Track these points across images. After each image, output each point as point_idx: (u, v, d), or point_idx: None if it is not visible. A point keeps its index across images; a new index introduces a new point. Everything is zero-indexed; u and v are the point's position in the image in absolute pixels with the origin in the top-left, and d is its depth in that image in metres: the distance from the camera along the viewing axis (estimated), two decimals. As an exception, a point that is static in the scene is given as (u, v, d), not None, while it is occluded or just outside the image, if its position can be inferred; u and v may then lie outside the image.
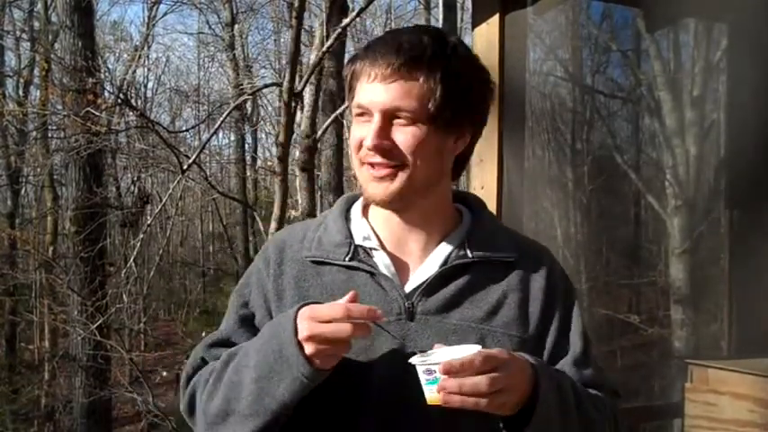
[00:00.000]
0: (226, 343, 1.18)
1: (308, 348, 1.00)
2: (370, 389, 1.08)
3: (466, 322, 1.12)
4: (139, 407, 8.65)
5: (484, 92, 1.17)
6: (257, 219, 9.26)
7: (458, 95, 1.10)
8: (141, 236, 8.05)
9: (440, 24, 9.51)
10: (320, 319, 0.99)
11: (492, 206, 2.39)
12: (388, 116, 1.09)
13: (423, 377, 0.97)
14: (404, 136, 1.09)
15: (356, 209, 1.22)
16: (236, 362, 1.10)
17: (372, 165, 1.10)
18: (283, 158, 5.98)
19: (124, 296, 8.78)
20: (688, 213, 6.27)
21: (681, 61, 6.58)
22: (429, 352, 1.01)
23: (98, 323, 7.51)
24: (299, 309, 1.03)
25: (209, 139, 9.98)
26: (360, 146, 1.11)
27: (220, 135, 17.83)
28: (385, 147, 1.08)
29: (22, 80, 13.61)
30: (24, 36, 13.77)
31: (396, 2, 17.07)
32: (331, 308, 1.00)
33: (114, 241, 12.66)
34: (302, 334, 1.00)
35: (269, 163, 15.56)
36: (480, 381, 0.94)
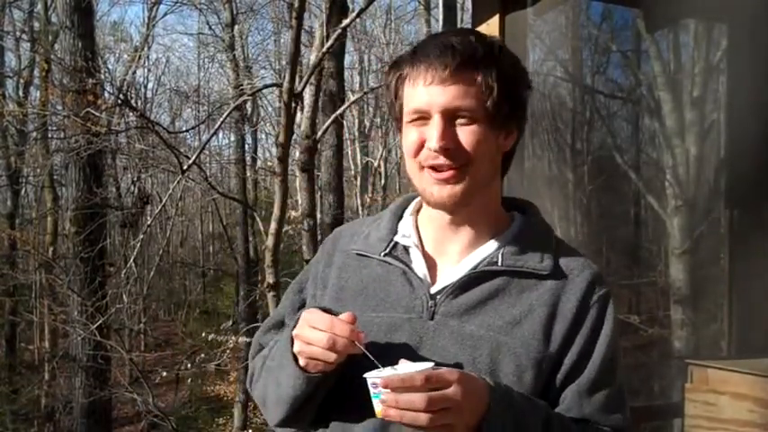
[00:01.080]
0: (280, 325, 1.27)
1: (295, 346, 1.07)
2: (358, 396, 1.09)
3: (484, 330, 1.10)
4: (139, 407, 8.66)
5: (527, 90, 1.19)
6: (257, 219, 9.27)
7: (510, 93, 1.12)
8: (141, 236, 8.05)
9: (440, 24, 9.51)
10: (309, 322, 1.04)
11: (492, 206, 2.39)
12: (449, 117, 1.09)
13: (371, 390, 0.99)
14: (466, 135, 1.10)
15: (409, 208, 1.25)
16: (274, 350, 1.19)
17: (435, 168, 1.10)
18: (283, 159, 5.98)
19: (124, 296, 8.79)
20: (688, 213, 6.27)
21: (681, 62, 6.58)
22: (390, 368, 1.02)
23: (98, 323, 7.51)
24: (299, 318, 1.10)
25: (209, 140, 9.99)
26: (418, 149, 1.11)
27: (220, 135, 17.87)
28: (450, 147, 1.09)
29: (22, 80, 13.62)
30: (24, 36, 13.79)
31: (396, 2, 17.07)
32: (322, 317, 1.04)
33: (114, 241, 12.68)
34: (296, 330, 1.07)
35: (269, 163, 15.57)
36: (416, 397, 0.94)
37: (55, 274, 9.88)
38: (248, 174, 16.12)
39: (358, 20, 9.43)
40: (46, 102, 9.62)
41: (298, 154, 7.09)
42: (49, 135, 11.24)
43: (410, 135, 1.12)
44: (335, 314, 1.06)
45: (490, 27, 2.44)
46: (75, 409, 8.60)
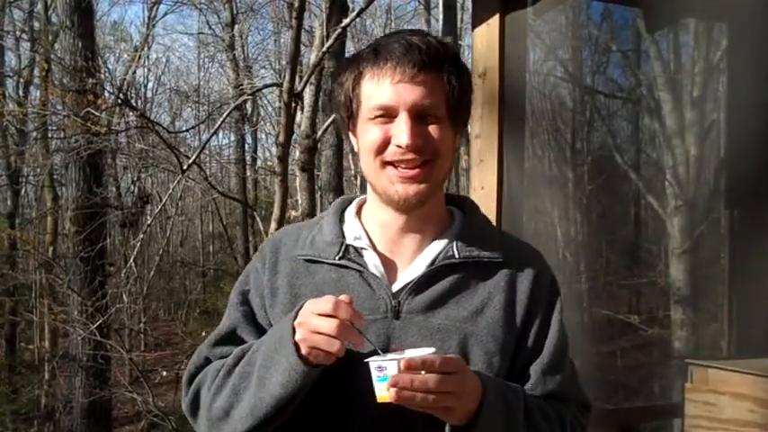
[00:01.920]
0: (231, 337, 1.21)
1: (297, 334, 1.04)
2: (356, 388, 1.09)
3: (450, 322, 1.14)
4: (139, 407, 8.65)
5: (472, 93, 1.22)
6: (257, 219, 9.26)
7: (465, 94, 1.16)
8: (141, 236, 8.05)
9: (440, 24, 9.50)
10: (313, 310, 1.03)
11: (492, 206, 2.39)
12: (416, 114, 1.10)
13: (374, 374, 0.99)
14: (433, 133, 1.12)
15: (350, 211, 1.25)
16: (250, 353, 1.13)
17: (398, 165, 1.12)
18: (283, 158, 5.98)
19: (124, 296, 8.78)
20: (688, 213, 6.27)
21: (681, 62, 6.58)
22: (394, 353, 1.04)
23: (98, 323, 7.50)
24: (301, 306, 1.07)
25: (209, 140, 9.98)
26: (382, 147, 1.12)
27: (220, 135, 17.87)
28: (419, 144, 1.10)
29: (22, 80, 13.60)
30: (24, 36, 13.77)
31: (396, 2, 17.07)
32: (326, 302, 1.02)
33: (114, 241, 12.67)
34: (298, 319, 1.05)
35: (269, 163, 15.59)
36: (430, 377, 0.97)
37: (55, 273, 9.88)
38: (248, 174, 16.13)
39: (358, 19, 9.43)
40: (46, 102, 9.61)
41: (298, 154, 7.08)
42: (49, 135, 11.23)
43: (372, 132, 1.12)
44: None
45: (490, 27, 2.45)
46: (75, 409, 8.59)
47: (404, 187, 1.12)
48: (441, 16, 9.15)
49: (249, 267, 1.26)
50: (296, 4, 5.60)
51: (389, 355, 1.02)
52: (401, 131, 1.10)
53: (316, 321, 1.02)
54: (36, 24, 13.28)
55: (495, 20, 2.42)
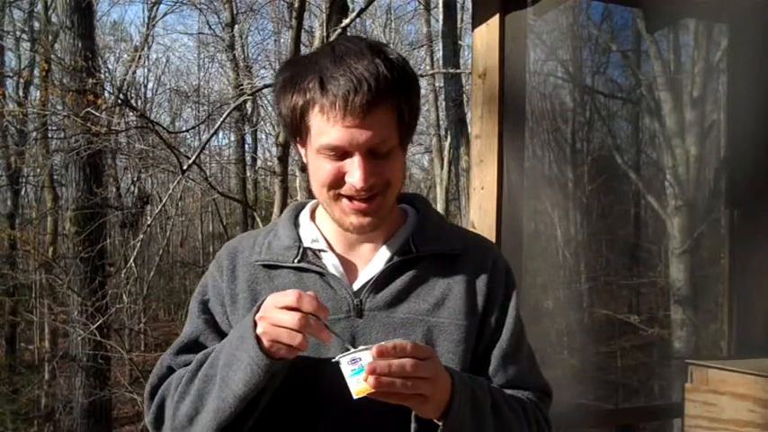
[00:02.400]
0: (194, 345, 1.20)
1: (259, 327, 1.03)
2: (322, 388, 1.10)
3: (413, 315, 1.15)
4: (139, 407, 8.66)
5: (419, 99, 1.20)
6: (257, 219, 9.26)
7: (416, 108, 1.15)
8: (141, 236, 8.05)
9: (440, 24, 9.51)
10: (275, 303, 1.02)
11: (492, 206, 2.39)
12: (369, 153, 1.09)
13: (347, 369, 0.98)
14: (387, 166, 1.11)
15: (304, 214, 1.25)
16: (213, 355, 1.12)
17: (351, 198, 1.11)
18: (283, 158, 5.98)
19: (124, 296, 8.79)
20: (688, 213, 6.28)
21: (681, 62, 6.58)
22: (363, 347, 1.02)
23: (98, 323, 7.51)
24: (263, 301, 1.06)
25: (209, 140, 9.98)
26: (335, 182, 1.10)
27: (220, 135, 17.88)
28: (373, 182, 1.09)
29: (22, 80, 13.59)
30: (24, 36, 13.77)
31: (396, 2, 17.07)
32: (287, 295, 1.01)
33: (114, 241, 12.65)
34: (259, 313, 1.04)
35: (269, 163, 15.57)
36: (406, 362, 0.97)
37: (55, 274, 9.88)
38: (248, 174, 16.12)
39: (358, 20, 9.43)
40: (46, 102, 9.60)
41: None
42: (49, 135, 11.22)
43: (325, 166, 1.10)
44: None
45: (490, 27, 2.45)
46: (75, 409, 8.60)
47: (357, 219, 1.13)
48: (441, 16, 9.15)
49: (205, 277, 1.25)
50: (296, 4, 5.61)
51: (360, 349, 1.01)
52: (355, 172, 1.08)
53: (278, 315, 1.01)
54: (36, 24, 13.28)
55: (495, 20, 2.42)
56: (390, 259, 1.18)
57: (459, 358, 1.15)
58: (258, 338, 1.03)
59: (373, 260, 1.19)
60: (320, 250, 1.19)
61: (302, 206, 1.28)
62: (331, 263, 1.18)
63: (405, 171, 1.21)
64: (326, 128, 1.07)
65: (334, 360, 1.00)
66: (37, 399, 11.36)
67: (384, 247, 1.19)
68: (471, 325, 1.17)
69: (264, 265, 1.19)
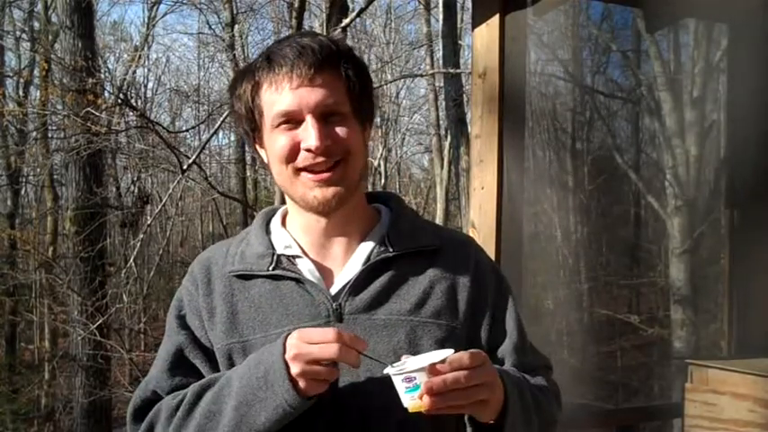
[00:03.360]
0: (178, 362, 1.16)
1: (295, 368, 0.99)
2: (335, 391, 1.08)
3: (395, 316, 1.13)
4: (139, 407, 8.65)
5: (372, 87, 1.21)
6: (257, 219, 9.23)
7: (367, 88, 1.16)
8: (141, 236, 8.05)
9: (440, 24, 9.51)
10: (310, 340, 0.99)
11: (492, 206, 2.39)
12: (322, 116, 1.09)
13: (401, 386, 0.97)
14: (341, 131, 1.11)
15: (275, 221, 1.23)
16: (216, 390, 1.08)
17: (311, 169, 1.11)
18: (283, 158, 5.97)
19: (124, 296, 8.78)
20: (688, 213, 6.28)
21: (681, 61, 6.59)
22: (401, 361, 1.01)
23: (98, 323, 7.50)
24: (288, 334, 1.03)
25: (209, 139, 9.97)
26: (292, 153, 1.11)
27: (220, 135, 17.84)
28: (329, 145, 1.09)
29: (22, 80, 13.60)
30: (24, 36, 13.78)
31: (396, 2, 17.05)
32: (323, 331, 1.00)
33: (114, 241, 12.65)
34: (290, 353, 1.00)
35: (269, 163, 15.49)
36: (460, 374, 0.95)
37: (55, 273, 9.87)
38: (248, 174, 16.11)
39: (358, 19, 9.43)
40: (46, 101, 9.60)
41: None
42: (49, 135, 11.22)
43: (279, 140, 1.11)
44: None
45: (490, 27, 2.44)
46: (75, 409, 8.59)
47: (321, 191, 1.11)
48: (441, 16, 9.15)
49: (180, 291, 1.22)
50: (296, 4, 5.61)
51: (408, 361, 0.99)
52: (309, 135, 1.08)
53: (315, 351, 0.98)
54: (36, 24, 13.28)
55: (495, 20, 2.42)
56: (367, 260, 1.15)
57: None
58: (293, 380, 0.99)
59: (349, 262, 1.16)
60: (294, 256, 1.16)
61: (273, 213, 1.26)
62: (306, 268, 1.15)
63: (367, 151, 1.20)
64: (276, 97, 1.10)
65: (384, 372, 0.99)
66: (37, 399, 11.36)
67: (359, 249, 1.17)
68: (456, 322, 1.15)
69: (239, 276, 1.17)
